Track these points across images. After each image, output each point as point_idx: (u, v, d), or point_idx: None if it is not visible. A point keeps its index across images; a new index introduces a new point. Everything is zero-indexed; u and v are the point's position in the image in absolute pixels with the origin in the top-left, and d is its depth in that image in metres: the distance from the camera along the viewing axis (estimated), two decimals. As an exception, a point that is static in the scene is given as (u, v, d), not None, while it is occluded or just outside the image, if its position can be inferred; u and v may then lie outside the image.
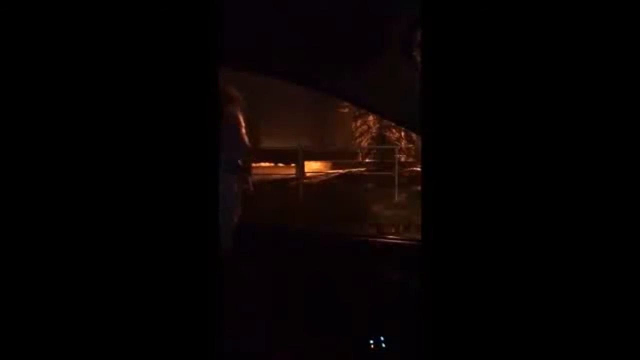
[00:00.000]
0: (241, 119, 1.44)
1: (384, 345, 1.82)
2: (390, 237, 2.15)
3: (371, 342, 1.83)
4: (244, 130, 1.44)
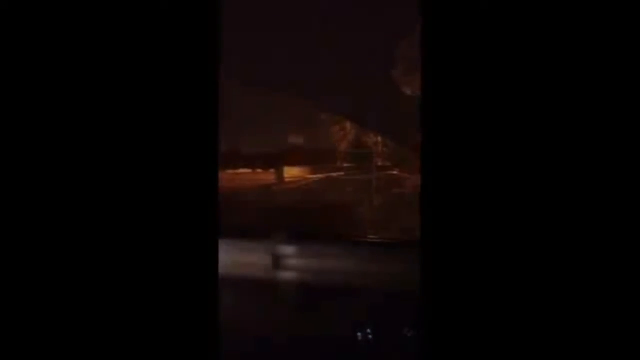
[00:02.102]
0: None
1: (370, 337, 1.97)
2: (372, 237, 2.31)
3: (359, 334, 1.98)
4: None
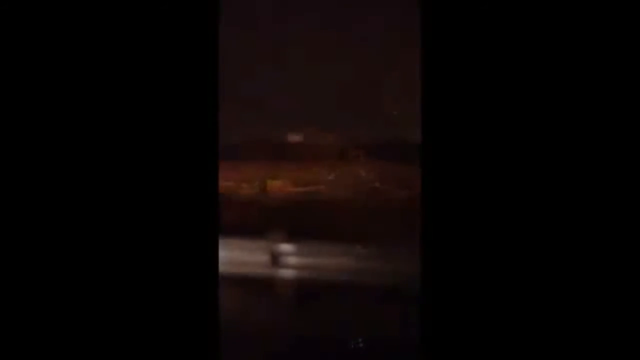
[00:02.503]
0: None
1: (361, 345, 1.93)
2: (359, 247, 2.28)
3: (351, 342, 1.93)
4: None
